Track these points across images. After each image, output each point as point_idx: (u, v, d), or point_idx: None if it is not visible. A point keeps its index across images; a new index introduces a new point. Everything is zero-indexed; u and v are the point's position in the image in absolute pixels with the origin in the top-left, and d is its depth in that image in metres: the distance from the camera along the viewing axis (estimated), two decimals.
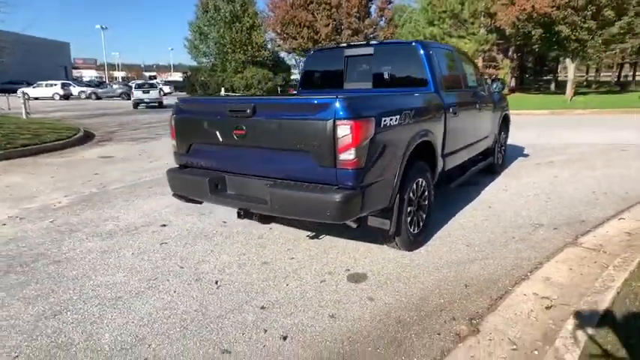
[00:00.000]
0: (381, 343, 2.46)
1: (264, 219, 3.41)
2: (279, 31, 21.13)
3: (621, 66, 39.41)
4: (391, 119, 3.05)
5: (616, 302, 2.55)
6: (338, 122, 2.69)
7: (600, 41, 18.71)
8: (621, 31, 18.42)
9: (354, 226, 3.12)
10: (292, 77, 39.37)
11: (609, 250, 3.62)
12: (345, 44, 4.78)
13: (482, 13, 26.27)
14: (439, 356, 2.34)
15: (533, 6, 18.48)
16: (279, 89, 30.53)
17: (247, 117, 3.06)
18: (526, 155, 8.12)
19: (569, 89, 20.61)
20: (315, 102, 2.84)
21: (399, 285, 3.13)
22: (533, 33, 20.20)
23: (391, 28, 21.73)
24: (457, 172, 4.80)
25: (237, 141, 3.16)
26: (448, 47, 5.04)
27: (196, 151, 3.54)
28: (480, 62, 29.95)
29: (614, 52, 19.99)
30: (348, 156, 2.73)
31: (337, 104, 2.70)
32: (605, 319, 2.37)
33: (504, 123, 6.66)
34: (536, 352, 2.29)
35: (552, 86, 35.75)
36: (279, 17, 20.80)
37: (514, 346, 2.35)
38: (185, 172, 3.64)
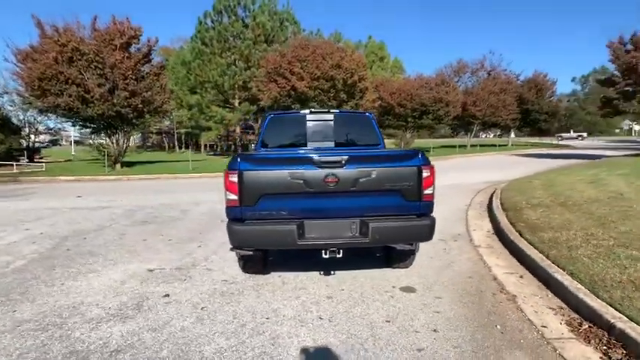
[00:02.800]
0: (484, 313, 3.57)
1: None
2: (35, 86, 17.88)
3: None
4: None
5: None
6: (423, 167, 3.76)
7: None
8: (352, 109, 24.96)
9: (412, 248, 4.11)
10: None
11: (495, 247, 5.80)
12: (307, 111, 5.64)
13: (238, 86, 29.84)
14: (515, 309, 3.63)
15: (293, 85, 22.76)
16: (25, 155, 24.99)
17: (341, 167, 3.67)
18: None
19: None
20: (404, 154, 3.81)
21: (439, 286, 4.26)
22: (293, 107, 24.56)
23: (168, 93, 21.98)
24: None
25: (327, 188, 3.68)
26: None
27: (268, 201, 3.72)
28: (237, 130, 33.46)
29: None
30: (429, 191, 3.81)
31: (420, 155, 3.79)
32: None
33: None
34: (547, 295, 3.92)
35: None
36: (35, 71, 17.74)
37: (539, 296, 3.92)
38: (262, 223, 3.71)
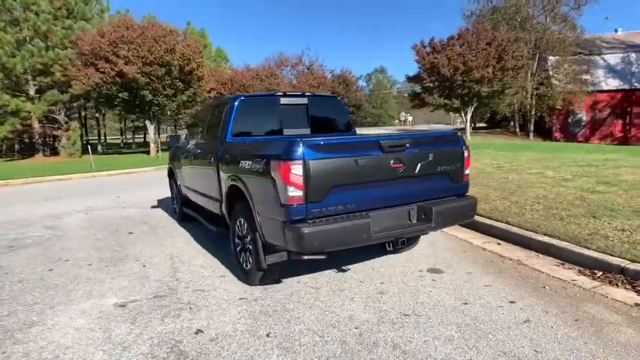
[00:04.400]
0: (519, 278, 3.95)
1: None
2: None
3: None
4: None
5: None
6: (464, 148, 3.86)
7: (175, 106, 22.60)
8: (189, 99, 23.14)
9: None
10: None
11: None
12: (280, 93, 4.96)
13: (37, 70, 23.97)
14: (535, 271, 4.13)
15: (120, 70, 19.63)
16: None
17: (404, 150, 3.45)
18: None
19: (153, 149, 23.19)
20: (450, 135, 3.82)
21: (455, 263, 4.47)
22: (120, 95, 21.21)
23: None
24: None
25: (392, 174, 3.41)
26: None
27: (336, 195, 3.21)
28: (36, 124, 26.97)
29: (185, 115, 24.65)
30: (468, 171, 3.94)
31: (460, 136, 3.87)
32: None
33: None
34: (538, 255, 4.58)
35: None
36: None
37: (533, 257, 4.53)
38: (331, 221, 3.16)
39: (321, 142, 3.22)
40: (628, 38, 36.44)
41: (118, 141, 52.75)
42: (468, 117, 25.67)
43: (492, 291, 3.70)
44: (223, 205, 4.47)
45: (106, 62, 19.91)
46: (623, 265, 3.86)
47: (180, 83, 21.97)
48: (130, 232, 6.41)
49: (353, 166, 3.27)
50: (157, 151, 22.51)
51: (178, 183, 6.70)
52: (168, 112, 23.20)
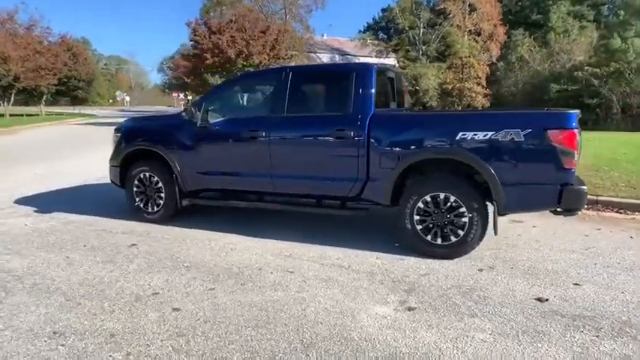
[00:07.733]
0: (613, 225, 5.59)
1: None
2: None
3: None
4: None
5: None
6: None
7: None
8: None
9: None
10: None
11: None
12: (388, 65, 4.57)
13: None
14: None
15: None
16: None
17: None
18: None
19: None
20: None
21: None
22: None
23: None
24: None
25: None
26: None
27: None
28: None
29: None
30: None
31: None
32: None
33: None
34: None
35: None
36: None
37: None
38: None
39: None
40: (329, 42, 45.94)
41: None
42: None
43: (579, 226, 5.09)
44: (385, 184, 4.09)
45: None
46: (595, 198, 6.06)
47: None
48: (133, 244, 4.45)
49: None
50: None
51: (178, 169, 4.99)
52: None
